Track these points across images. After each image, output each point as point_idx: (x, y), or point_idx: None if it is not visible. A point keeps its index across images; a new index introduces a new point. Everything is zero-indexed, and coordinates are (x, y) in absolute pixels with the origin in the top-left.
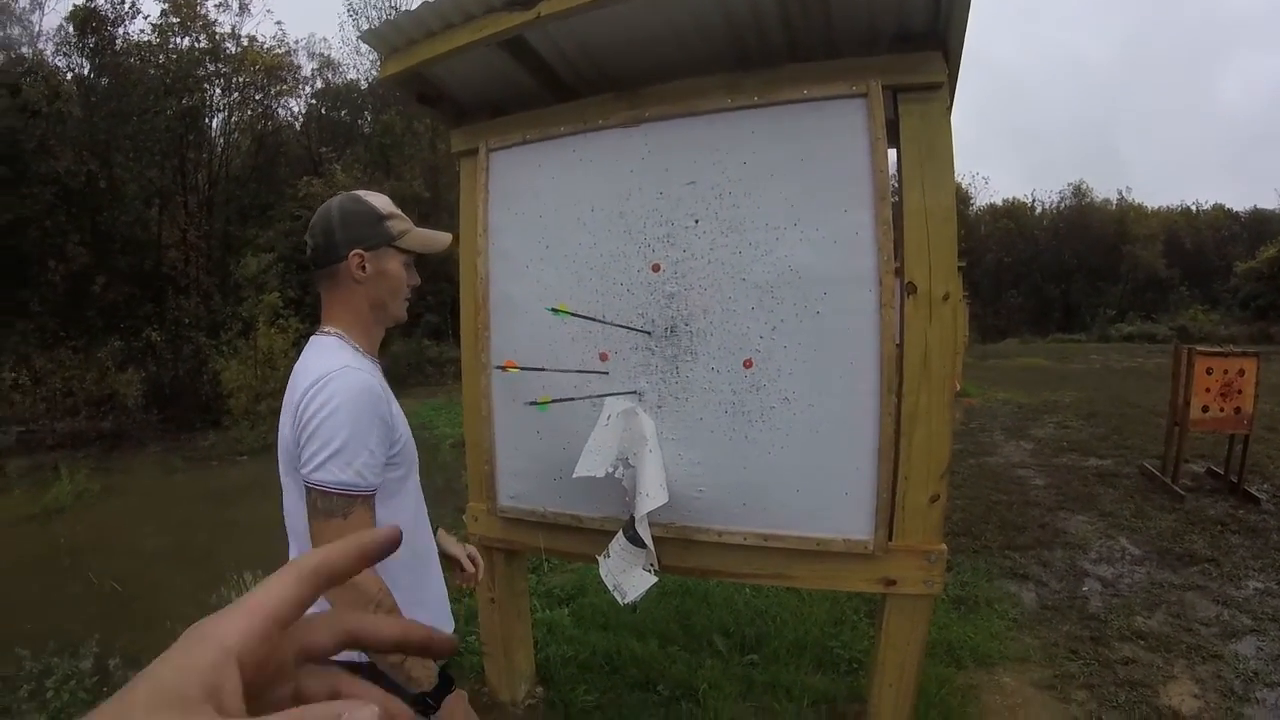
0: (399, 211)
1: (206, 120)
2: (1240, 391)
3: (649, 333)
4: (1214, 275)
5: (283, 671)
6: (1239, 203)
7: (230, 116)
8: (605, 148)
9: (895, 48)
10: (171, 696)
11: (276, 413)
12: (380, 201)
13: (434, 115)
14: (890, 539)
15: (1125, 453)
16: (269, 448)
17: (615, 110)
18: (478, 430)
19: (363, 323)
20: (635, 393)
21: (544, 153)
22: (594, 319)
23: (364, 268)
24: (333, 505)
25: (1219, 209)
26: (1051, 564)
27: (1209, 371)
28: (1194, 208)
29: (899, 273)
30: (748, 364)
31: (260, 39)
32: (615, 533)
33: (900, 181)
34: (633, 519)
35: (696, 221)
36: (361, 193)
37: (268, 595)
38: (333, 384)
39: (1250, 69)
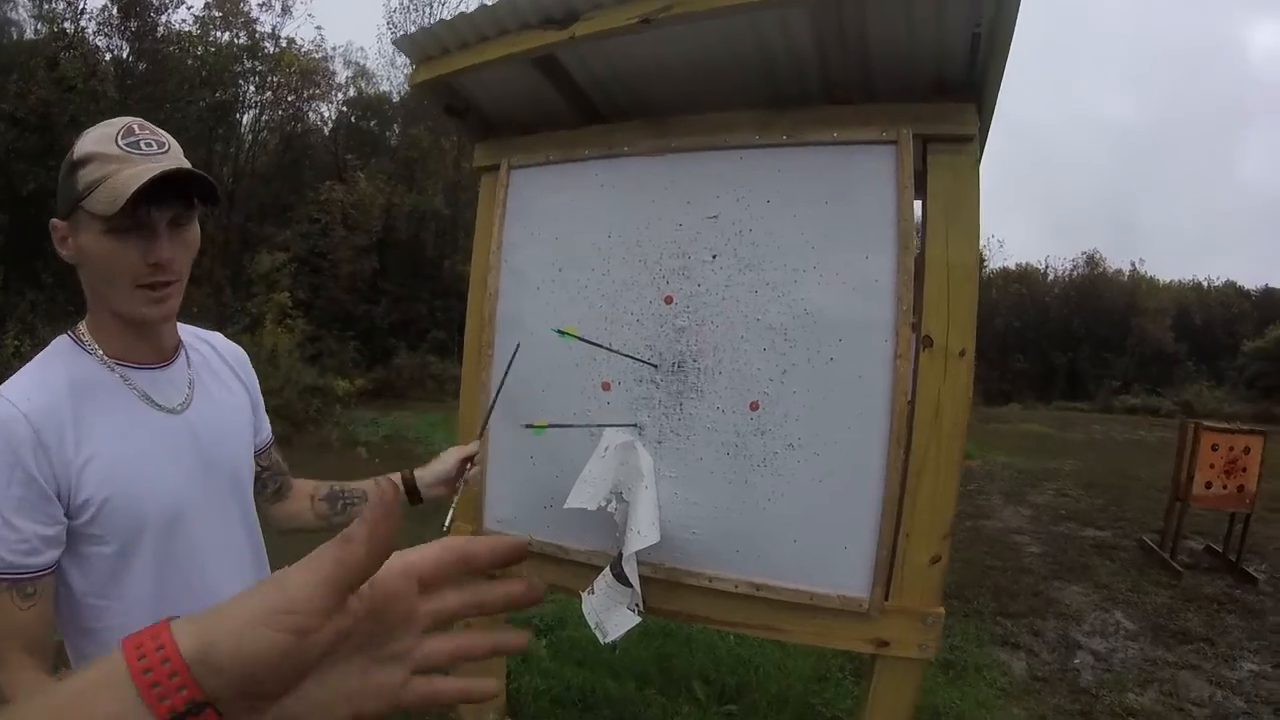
0: (111, 149)
1: (237, 116)
2: (1245, 469)
3: (655, 365)
4: (1221, 352)
5: (411, 621)
6: (1251, 279)
7: (261, 115)
8: (628, 174)
9: (930, 96)
10: None
11: (273, 410)
12: (86, 140)
13: (460, 128)
14: (887, 598)
15: (1123, 525)
16: None
17: (642, 137)
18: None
19: (98, 319)
20: (636, 425)
21: (566, 174)
22: (600, 345)
23: (65, 243)
24: None
25: (1230, 286)
26: (1044, 634)
27: (1214, 448)
28: (1205, 283)
29: (916, 326)
30: (754, 406)
31: (299, 42)
32: (602, 568)
33: (924, 233)
34: (621, 555)
35: (714, 256)
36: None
37: (419, 555)
38: None
39: (1263, 150)
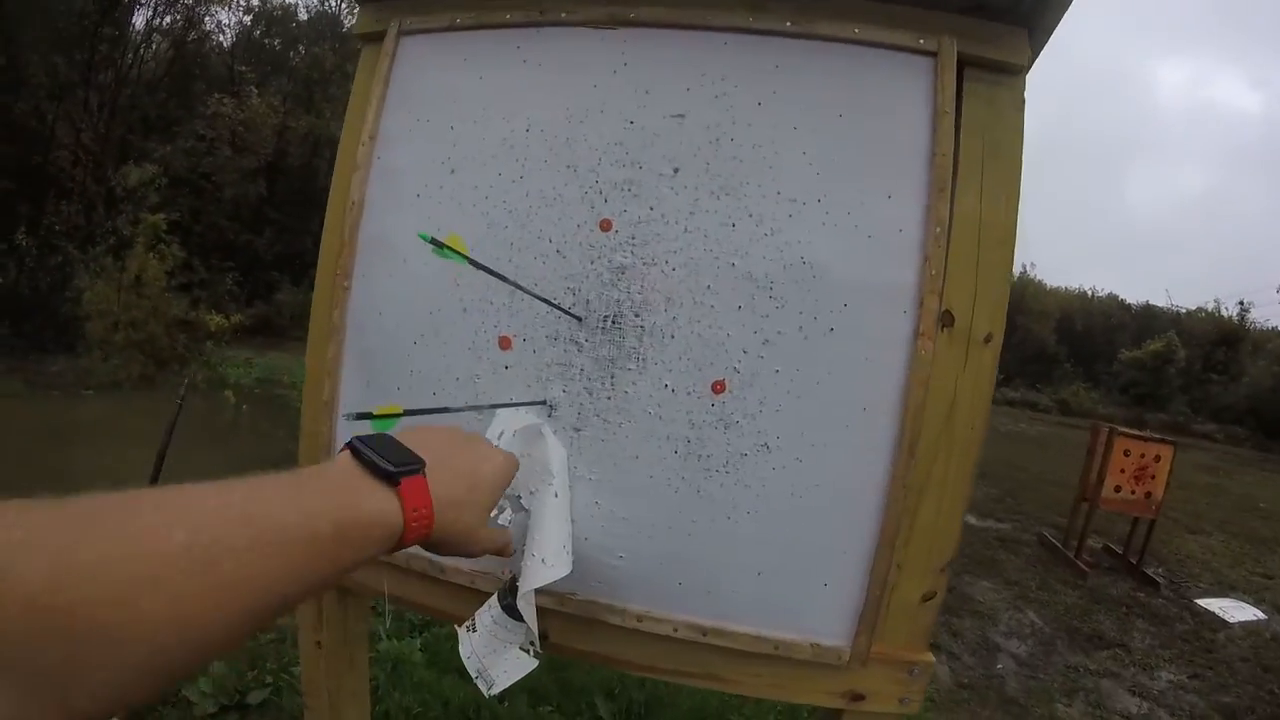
0: None
1: (126, 16)
2: (1154, 477)
3: (579, 318)
4: (1098, 357)
5: None
6: (1133, 295)
7: (153, 18)
8: (564, 50)
9: (967, 9)
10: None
11: (135, 344)
12: None
13: None
14: (870, 646)
15: (1021, 518)
16: (120, 384)
17: (591, 2)
18: (315, 418)
19: None
20: (544, 403)
21: (476, 44)
22: (501, 276)
23: None
24: None
25: (1113, 298)
26: (962, 634)
27: (1126, 453)
28: (1090, 292)
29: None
30: (718, 387)
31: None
32: (488, 595)
33: (952, 181)
34: (514, 584)
35: (676, 171)
36: None
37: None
38: None
39: (1156, 179)
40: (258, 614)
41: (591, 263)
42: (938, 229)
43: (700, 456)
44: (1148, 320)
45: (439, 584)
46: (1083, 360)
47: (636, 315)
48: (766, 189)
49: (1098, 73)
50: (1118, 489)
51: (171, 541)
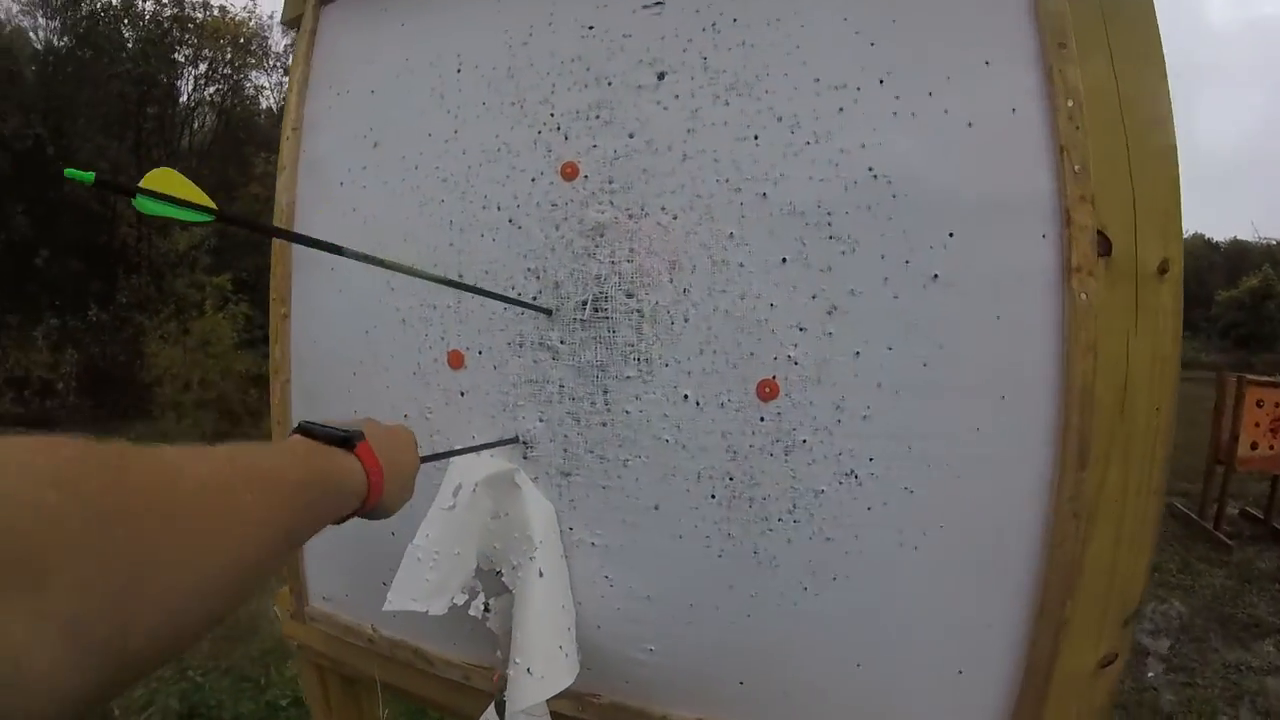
0: None
1: (171, 92)
2: None
3: (548, 310)
4: (1193, 302)
5: None
6: (1218, 233)
7: (195, 90)
8: None
9: None
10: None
11: (205, 405)
12: None
13: None
14: None
15: None
16: (193, 443)
17: None
18: None
19: None
20: (516, 439)
21: None
22: (403, 269)
23: None
24: None
25: (1199, 238)
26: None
27: (1259, 404)
28: None
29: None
30: (767, 390)
31: (230, 8)
32: (484, 693)
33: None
34: (503, 702)
35: (661, 76)
36: None
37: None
38: None
39: (1220, 105)
40: (273, 548)
41: (556, 228)
42: (1070, 103)
43: (752, 500)
44: (1238, 257)
45: (432, 678)
46: None
47: (629, 295)
48: (797, 77)
49: None
50: (1254, 445)
51: (197, 472)
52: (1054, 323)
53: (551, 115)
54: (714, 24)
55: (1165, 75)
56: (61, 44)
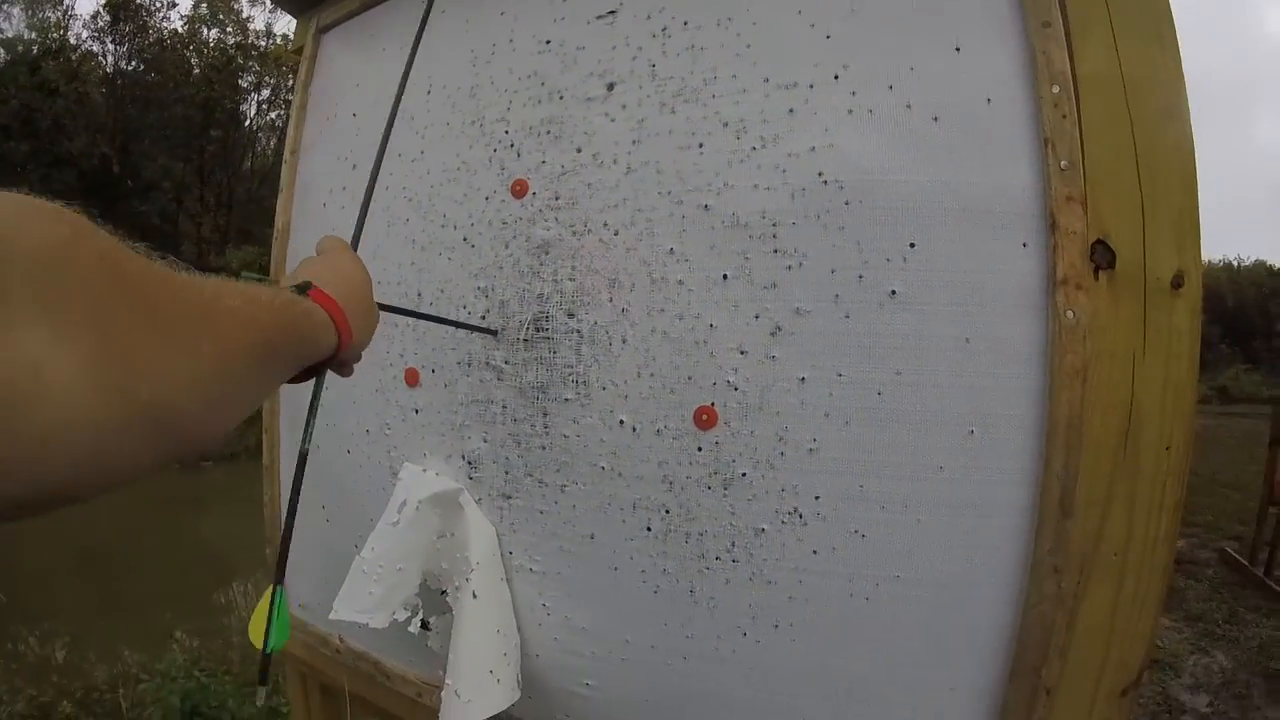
0: None
1: (234, 116)
2: None
3: (494, 331)
4: (1255, 333)
5: None
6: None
7: (258, 114)
8: None
9: None
10: None
11: (250, 419)
12: None
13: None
14: None
15: (1199, 532)
16: (236, 455)
17: None
18: (268, 484)
19: None
20: (463, 460)
21: (384, 18)
22: (403, 311)
23: None
24: None
25: (1261, 265)
26: (1139, 691)
27: None
28: (1235, 262)
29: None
30: (705, 418)
31: (292, 36)
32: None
33: (1061, 14)
34: None
35: (610, 87)
36: None
37: None
38: None
39: None
40: (262, 352)
41: (506, 246)
42: (1055, 89)
43: (689, 535)
44: None
45: (390, 691)
46: (1238, 339)
47: (570, 315)
48: (746, 78)
49: (1205, 18)
50: None
51: (178, 274)
52: (1035, 345)
53: (506, 133)
54: (664, 28)
55: (1179, 60)
56: (130, 68)
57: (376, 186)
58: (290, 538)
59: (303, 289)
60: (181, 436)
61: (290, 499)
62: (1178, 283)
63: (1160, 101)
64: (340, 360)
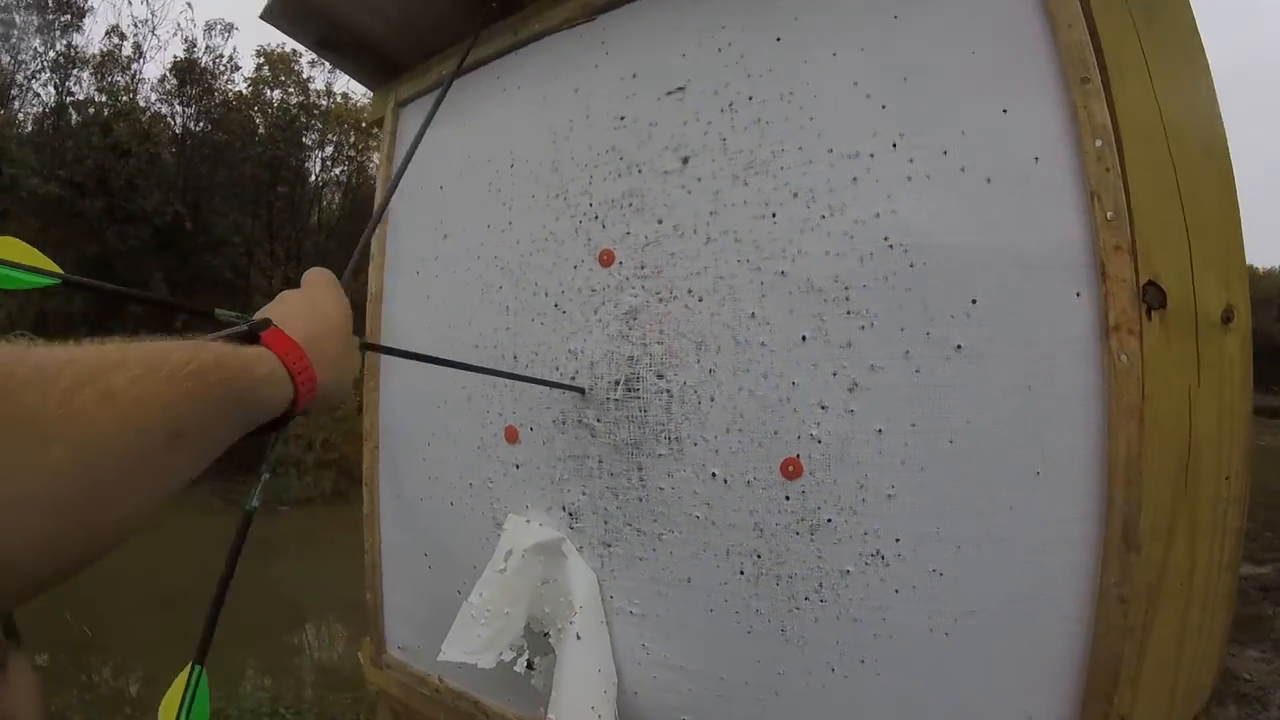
0: None
1: (300, 172)
2: None
3: (582, 389)
4: None
5: None
6: None
7: (322, 170)
8: (542, 65)
9: None
10: None
11: (325, 465)
12: None
13: (354, 74)
14: None
15: None
16: (312, 500)
17: (560, 5)
18: (368, 532)
19: None
20: (564, 510)
21: (463, 93)
22: (445, 362)
23: None
24: None
25: None
26: (1210, 716)
27: None
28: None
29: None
30: (791, 469)
31: (352, 95)
32: None
33: (1098, 63)
34: None
35: (685, 161)
36: None
37: None
38: None
39: None
40: (164, 440)
41: (595, 312)
42: (1098, 143)
43: (779, 578)
44: None
45: None
46: None
47: (659, 376)
48: (811, 150)
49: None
50: None
51: (62, 354)
52: (1094, 389)
53: (590, 205)
54: (731, 103)
55: (1212, 83)
56: (198, 129)
57: (469, 255)
58: (218, 614)
59: (257, 329)
60: (13, 574)
61: (228, 562)
62: (1228, 317)
63: (1199, 140)
64: (305, 412)
